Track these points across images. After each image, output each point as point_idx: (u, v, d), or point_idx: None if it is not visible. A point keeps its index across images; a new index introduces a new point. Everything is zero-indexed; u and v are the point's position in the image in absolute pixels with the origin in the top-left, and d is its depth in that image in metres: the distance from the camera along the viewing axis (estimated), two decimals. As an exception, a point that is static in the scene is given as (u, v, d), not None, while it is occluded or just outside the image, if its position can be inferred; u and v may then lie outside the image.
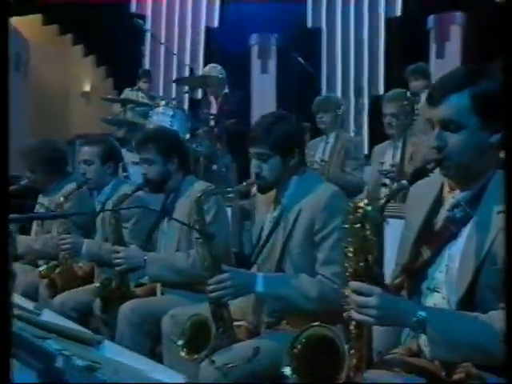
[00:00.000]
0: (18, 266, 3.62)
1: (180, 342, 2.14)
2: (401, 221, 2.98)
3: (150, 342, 2.59)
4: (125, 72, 8.11)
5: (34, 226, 3.81)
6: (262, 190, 2.30)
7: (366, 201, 1.54)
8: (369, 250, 1.58)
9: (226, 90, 5.18)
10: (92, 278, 3.33)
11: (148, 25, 8.07)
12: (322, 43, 8.16)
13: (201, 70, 5.59)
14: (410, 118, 3.74)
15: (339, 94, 7.96)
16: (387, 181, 3.65)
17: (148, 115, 5.26)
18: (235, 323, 2.27)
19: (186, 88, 5.86)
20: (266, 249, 2.28)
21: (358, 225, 1.54)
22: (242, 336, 2.28)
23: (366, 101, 7.82)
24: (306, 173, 2.33)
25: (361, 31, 8.05)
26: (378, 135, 5.05)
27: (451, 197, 1.76)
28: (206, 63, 8.31)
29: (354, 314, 1.60)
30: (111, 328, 2.67)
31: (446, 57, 7.52)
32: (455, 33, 7.52)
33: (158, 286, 2.87)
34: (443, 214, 1.76)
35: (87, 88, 8.37)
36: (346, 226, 1.59)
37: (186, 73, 7.87)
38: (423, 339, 1.73)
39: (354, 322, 1.63)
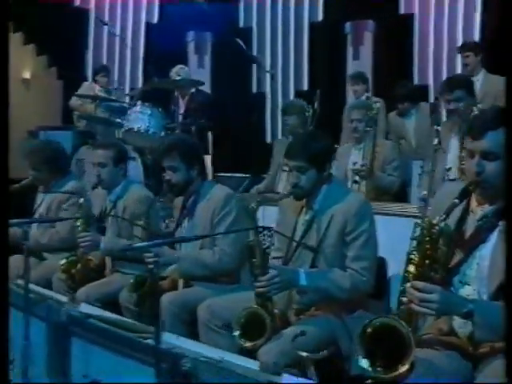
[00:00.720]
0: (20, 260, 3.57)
1: (237, 333, 2.31)
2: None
3: (186, 328, 2.73)
4: (69, 62, 7.88)
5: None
6: (299, 198, 2.51)
7: (440, 218, 1.80)
8: (438, 258, 1.84)
9: (193, 90, 5.23)
10: (102, 269, 3.38)
11: (91, 20, 7.88)
12: (252, 42, 8.31)
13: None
14: (373, 123, 4.06)
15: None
16: (357, 178, 3.96)
17: (110, 109, 5.23)
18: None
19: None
20: (301, 247, 2.49)
21: (432, 238, 1.79)
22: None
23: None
24: (333, 182, 2.56)
25: (287, 32, 8.24)
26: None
27: (480, 210, 2.05)
28: (145, 58, 8.32)
29: (416, 307, 1.87)
30: (145, 318, 2.75)
31: (361, 59, 7.89)
32: (368, 38, 7.84)
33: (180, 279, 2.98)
34: (472, 222, 2.06)
35: (27, 75, 7.94)
36: (416, 239, 1.84)
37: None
38: (458, 322, 2.03)
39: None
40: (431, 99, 7.06)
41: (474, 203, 2.08)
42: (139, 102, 4.66)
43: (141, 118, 4.55)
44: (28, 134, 5.74)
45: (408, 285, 1.91)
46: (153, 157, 4.50)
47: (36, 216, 3.71)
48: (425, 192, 3.52)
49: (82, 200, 3.24)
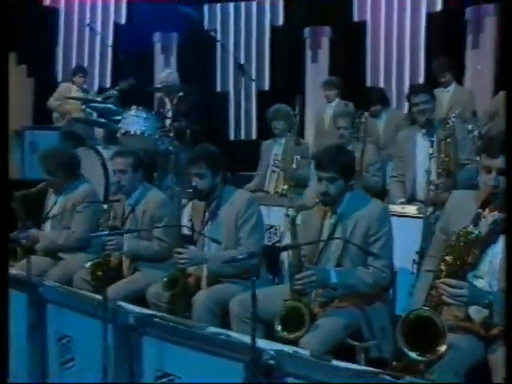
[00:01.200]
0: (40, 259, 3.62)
1: (279, 327, 2.49)
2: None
3: (219, 321, 2.87)
4: (38, 60, 7.65)
5: (50, 221, 3.77)
6: (327, 204, 2.71)
7: (472, 226, 2.06)
8: (468, 259, 2.10)
9: (181, 94, 5.28)
10: (120, 268, 3.46)
11: (61, 19, 7.68)
12: (216, 43, 8.33)
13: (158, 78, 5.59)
14: (356, 130, 4.31)
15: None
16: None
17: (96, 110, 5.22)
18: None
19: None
20: (329, 247, 2.69)
21: (466, 244, 2.06)
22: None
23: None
24: (356, 189, 2.78)
25: (250, 34, 8.33)
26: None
27: (491, 216, 2.32)
28: (114, 58, 8.18)
29: (449, 300, 2.15)
30: (178, 314, 2.86)
31: (319, 62, 8.04)
32: (325, 43, 7.97)
33: (204, 276, 3.11)
34: (484, 226, 2.32)
35: (-5, 73, 7.62)
36: (453, 242, 2.10)
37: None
38: (473, 310, 2.31)
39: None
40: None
41: (486, 210, 2.35)
42: (134, 106, 4.64)
43: (136, 122, 4.54)
44: (13, 133, 5.57)
45: (439, 281, 2.18)
46: (147, 157, 4.55)
47: (50, 216, 3.73)
48: (402, 199, 3.88)
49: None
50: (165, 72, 5.61)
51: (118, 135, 4.58)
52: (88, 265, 3.24)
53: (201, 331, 2.12)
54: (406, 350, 2.14)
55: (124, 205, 3.47)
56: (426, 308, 2.18)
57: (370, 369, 1.84)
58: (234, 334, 2.10)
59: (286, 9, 8.10)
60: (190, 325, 2.26)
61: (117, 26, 8.14)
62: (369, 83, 7.63)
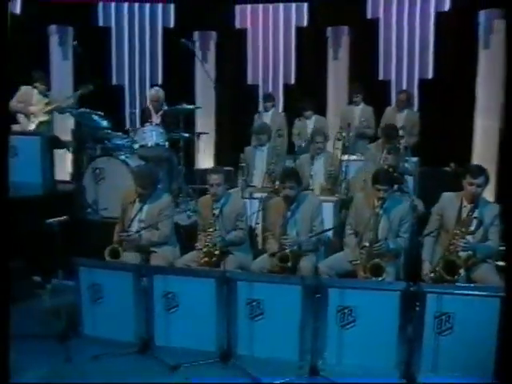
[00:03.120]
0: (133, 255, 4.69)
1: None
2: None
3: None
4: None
5: (137, 223, 4.74)
6: (382, 204, 4.30)
7: (470, 213, 4.09)
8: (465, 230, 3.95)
9: (166, 107, 6.68)
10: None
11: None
12: (111, 40, 9.55)
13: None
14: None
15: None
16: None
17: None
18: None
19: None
20: (378, 230, 4.27)
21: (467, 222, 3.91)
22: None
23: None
24: (392, 193, 4.47)
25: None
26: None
27: (469, 206, 3.99)
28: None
29: (462, 248, 3.93)
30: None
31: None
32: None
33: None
34: (464, 212, 4.02)
35: None
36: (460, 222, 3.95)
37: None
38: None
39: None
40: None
41: (464, 203, 4.17)
42: (147, 124, 6.19)
43: (149, 136, 6.01)
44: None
45: (456, 240, 3.94)
46: (155, 162, 5.96)
47: (136, 222, 4.71)
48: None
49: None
50: (154, 89, 6.95)
51: (135, 147, 6.05)
52: (202, 255, 4.53)
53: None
54: (444, 275, 3.92)
55: (211, 207, 4.69)
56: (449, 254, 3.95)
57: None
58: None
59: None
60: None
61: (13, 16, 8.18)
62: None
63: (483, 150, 8.11)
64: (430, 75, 8.74)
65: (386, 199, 4.29)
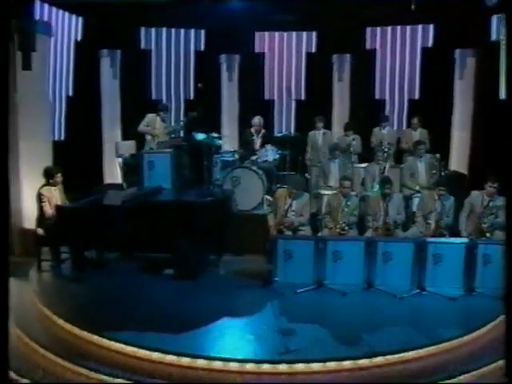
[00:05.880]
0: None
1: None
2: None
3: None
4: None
5: (291, 212, 6.96)
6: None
7: (490, 200, 6.63)
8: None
9: (263, 130, 8.95)
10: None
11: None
12: (151, 61, 11.26)
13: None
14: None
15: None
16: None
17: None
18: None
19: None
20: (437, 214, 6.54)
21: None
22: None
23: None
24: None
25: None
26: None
27: (488, 199, 6.50)
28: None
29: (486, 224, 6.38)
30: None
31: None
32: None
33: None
34: (485, 203, 6.63)
35: None
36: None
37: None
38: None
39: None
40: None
41: (486, 198, 6.58)
42: (267, 145, 8.62)
43: (272, 153, 8.50)
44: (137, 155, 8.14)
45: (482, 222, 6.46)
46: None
47: (290, 211, 6.83)
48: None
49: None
50: (257, 118, 8.89)
51: (259, 161, 8.24)
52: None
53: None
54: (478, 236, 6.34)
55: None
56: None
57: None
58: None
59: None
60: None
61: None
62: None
63: (458, 154, 10.54)
64: (417, 96, 11.05)
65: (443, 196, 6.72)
